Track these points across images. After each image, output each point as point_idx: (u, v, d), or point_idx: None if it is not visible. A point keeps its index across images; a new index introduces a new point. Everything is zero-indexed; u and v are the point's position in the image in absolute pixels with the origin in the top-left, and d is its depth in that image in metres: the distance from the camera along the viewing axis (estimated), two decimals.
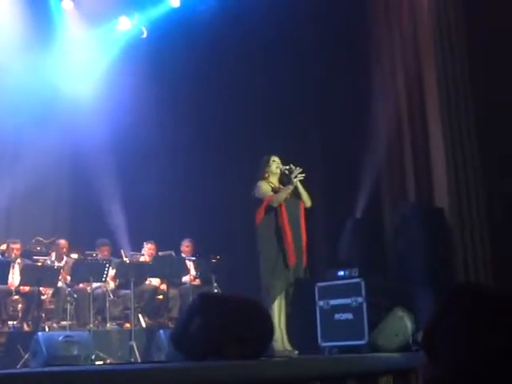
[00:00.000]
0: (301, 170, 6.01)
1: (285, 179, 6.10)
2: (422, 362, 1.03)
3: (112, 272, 7.88)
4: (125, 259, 8.36)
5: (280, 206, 5.90)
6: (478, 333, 0.92)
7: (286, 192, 5.96)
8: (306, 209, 6.14)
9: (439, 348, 0.97)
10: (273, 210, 5.90)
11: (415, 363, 3.92)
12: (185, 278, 8.36)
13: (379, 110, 8.19)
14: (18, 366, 6.28)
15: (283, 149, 6.86)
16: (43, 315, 7.47)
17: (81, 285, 7.78)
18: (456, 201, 7.21)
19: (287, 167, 6.06)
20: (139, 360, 6.84)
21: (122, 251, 8.59)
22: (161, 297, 8.34)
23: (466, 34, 7.38)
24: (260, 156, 6.34)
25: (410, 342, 5.57)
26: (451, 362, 0.93)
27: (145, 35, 9.79)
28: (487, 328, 0.91)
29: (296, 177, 5.96)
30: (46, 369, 4.69)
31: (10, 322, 7.34)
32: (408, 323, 6.19)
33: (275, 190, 6.01)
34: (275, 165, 6.11)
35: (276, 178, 6.12)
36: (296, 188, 6.02)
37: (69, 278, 7.79)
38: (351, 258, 7.50)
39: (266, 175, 6.10)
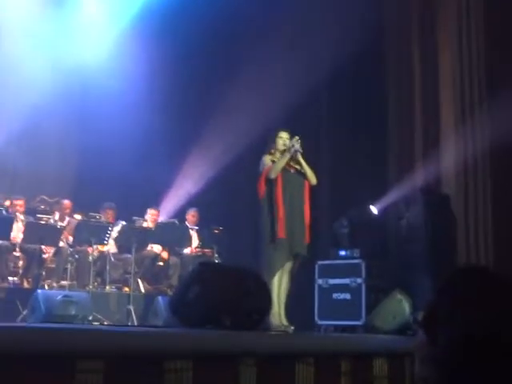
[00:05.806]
0: (298, 138, 5.82)
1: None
2: (420, 341, 1.02)
3: (114, 235, 7.89)
4: (128, 223, 8.35)
5: (277, 178, 5.77)
6: (477, 313, 0.91)
7: (283, 161, 5.80)
8: (311, 186, 6.03)
9: (438, 327, 0.96)
10: (271, 183, 5.79)
11: (410, 347, 3.92)
12: (187, 248, 8.39)
13: (392, 94, 8.14)
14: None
15: (292, 124, 6.73)
16: (43, 273, 7.49)
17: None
18: (463, 189, 7.19)
19: (292, 144, 5.87)
20: (136, 324, 6.88)
21: (124, 216, 8.58)
22: (161, 264, 8.36)
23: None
24: (267, 129, 6.21)
25: (410, 321, 5.59)
26: (449, 341, 0.92)
27: None
28: (486, 309, 0.91)
29: (293, 145, 5.78)
30: (43, 325, 4.73)
31: (10, 278, 7.37)
32: (406, 306, 6.21)
33: None
34: (281, 141, 5.93)
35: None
36: (300, 165, 5.89)
37: (71, 238, 7.81)
38: (344, 238, 7.47)
39: (272, 151, 5.96)
